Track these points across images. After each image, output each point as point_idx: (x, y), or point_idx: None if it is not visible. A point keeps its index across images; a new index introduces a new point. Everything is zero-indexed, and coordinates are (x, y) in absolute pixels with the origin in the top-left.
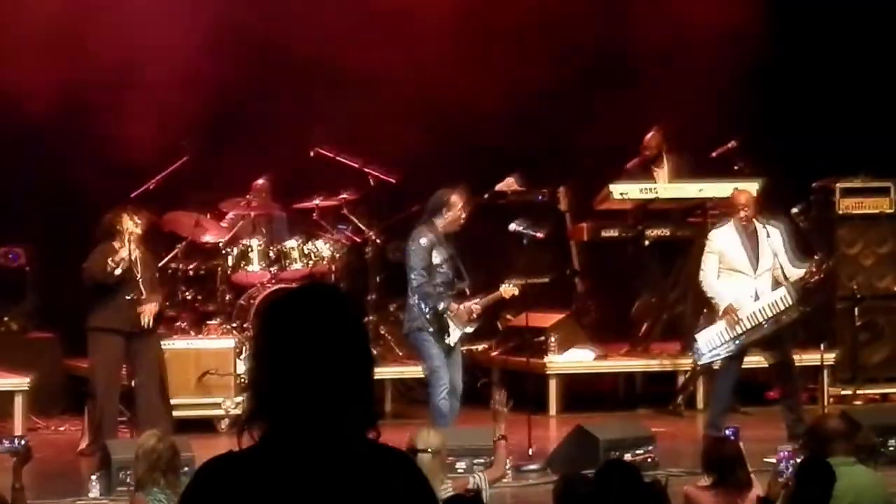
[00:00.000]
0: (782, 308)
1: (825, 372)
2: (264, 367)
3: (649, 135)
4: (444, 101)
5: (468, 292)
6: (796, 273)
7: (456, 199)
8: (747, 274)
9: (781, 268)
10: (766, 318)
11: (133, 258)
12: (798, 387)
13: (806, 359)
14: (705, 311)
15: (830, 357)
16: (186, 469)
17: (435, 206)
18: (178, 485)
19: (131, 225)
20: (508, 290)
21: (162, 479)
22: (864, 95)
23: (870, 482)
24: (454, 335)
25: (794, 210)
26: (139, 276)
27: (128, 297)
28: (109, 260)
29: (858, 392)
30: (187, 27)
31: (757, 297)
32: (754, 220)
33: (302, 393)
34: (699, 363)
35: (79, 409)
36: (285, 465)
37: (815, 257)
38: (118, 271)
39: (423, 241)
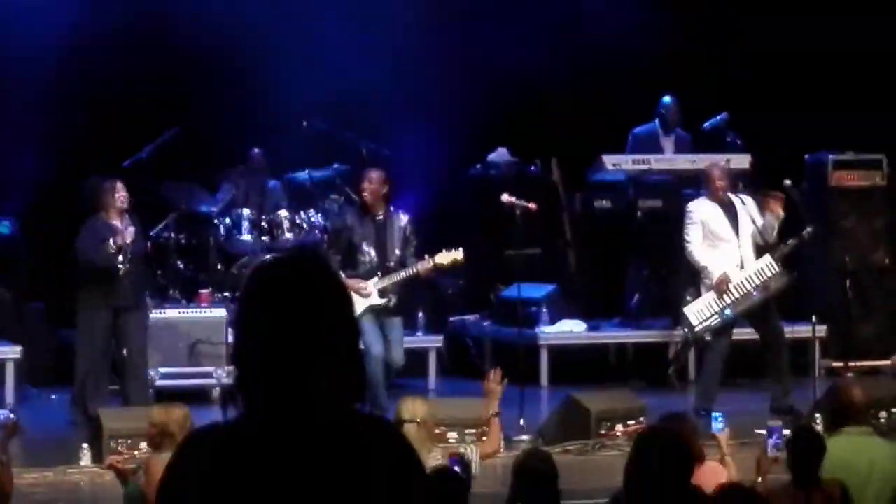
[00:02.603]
0: (769, 275)
1: (816, 345)
2: (246, 338)
3: (669, 100)
4: (435, 72)
5: (391, 269)
6: (770, 230)
7: (368, 176)
8: (730, 241)
9: (760, 234)
10: (753, 286)
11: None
12: (786, 359)
13: (797, 331)
14: (691, 287)
15: (822, 330)
16: None
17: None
18: None
19: (117, 198)
20: (445, 256)
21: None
22: (854, 70)
23: (889, 454)
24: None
25: (786, 182)
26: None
27: (113, 270)
28: (110, 242)
29: (849, 365)
30: None
31: (742, 266)
32: (727, 192)
33: (284, 363)
34: (691, 334)
35: (70, 379)
36: (269, 436)
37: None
38: (120, 258)
39: (339, 224)
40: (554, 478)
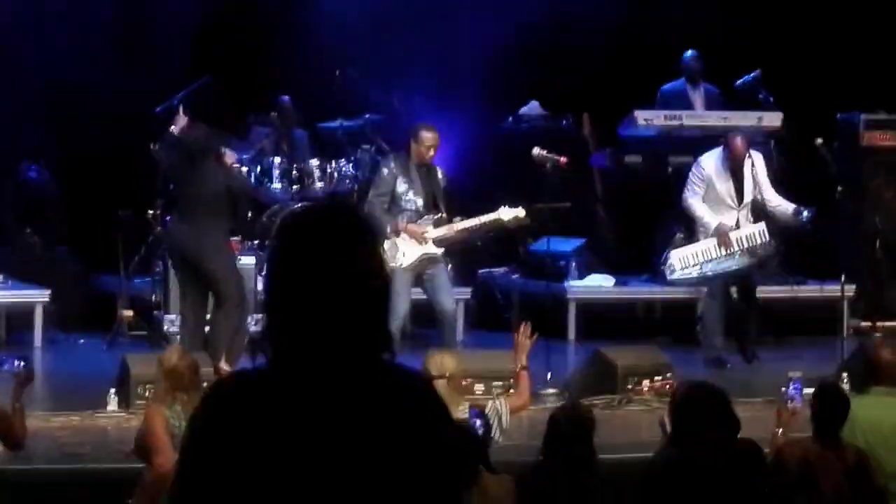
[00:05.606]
0: (758, 242)
1: (845, 304)
2: (278, 286)
3: (690, 53)
4: (466, 25)
5: (444, 220)
6: (782, 208)
7: (423, 135)
8: (732, 206)
9: (762, 197)
10: (741, 248)
11: None
12: (751, 326)
13: (826, 291)
14: (679, 234)
15: (850, 290)
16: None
17: (409, 137)
18: (194, 403)
19: None
20: (507, 212)
21: (183, 396)
22: (888, 28)
23: None
24: (408, 257)
25: (818, 141)
26: None
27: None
28: None
29: (877, 325)
30: None
31: (738, 227)
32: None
33: (314, 312)
34: (669, 279)
35: (98, 324)
36: (297, 384)
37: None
38: None
39: (384, 171)
40: (591, 432)
